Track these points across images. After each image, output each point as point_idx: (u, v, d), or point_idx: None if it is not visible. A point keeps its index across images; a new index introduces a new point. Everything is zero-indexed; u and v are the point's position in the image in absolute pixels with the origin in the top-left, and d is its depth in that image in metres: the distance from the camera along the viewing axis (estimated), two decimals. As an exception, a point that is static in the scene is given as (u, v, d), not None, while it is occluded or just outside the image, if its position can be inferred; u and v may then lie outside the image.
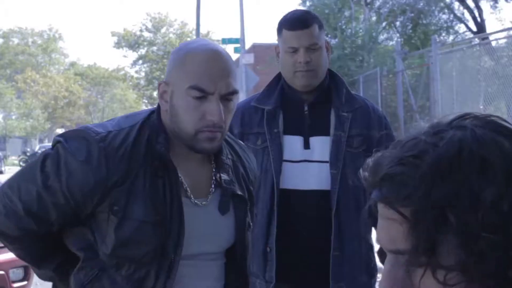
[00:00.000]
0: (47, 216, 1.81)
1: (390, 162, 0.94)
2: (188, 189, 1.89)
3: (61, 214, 1.81)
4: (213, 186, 1.94)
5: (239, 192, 1.99)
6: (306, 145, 2.71)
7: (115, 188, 1.77)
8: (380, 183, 0.95)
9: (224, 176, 1.96)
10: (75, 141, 1.81)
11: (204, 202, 1.91)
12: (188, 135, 1.81)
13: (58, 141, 1.84)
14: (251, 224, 2.03)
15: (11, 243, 1.93)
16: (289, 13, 2.75)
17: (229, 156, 2.01)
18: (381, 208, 0.96)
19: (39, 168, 1.81)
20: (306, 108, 2.74)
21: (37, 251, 1.94)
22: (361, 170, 1.00)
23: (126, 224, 1.77)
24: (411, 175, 0.91)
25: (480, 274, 0.89)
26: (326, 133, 2.71)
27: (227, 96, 1.80)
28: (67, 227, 1.88)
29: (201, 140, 1.80)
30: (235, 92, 1.82)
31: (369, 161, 0.99)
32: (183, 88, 1.78)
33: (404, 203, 0.92)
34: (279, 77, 2.83)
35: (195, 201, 1.89)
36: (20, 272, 5.37)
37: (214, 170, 1.96)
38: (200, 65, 1.78)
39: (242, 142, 2.23)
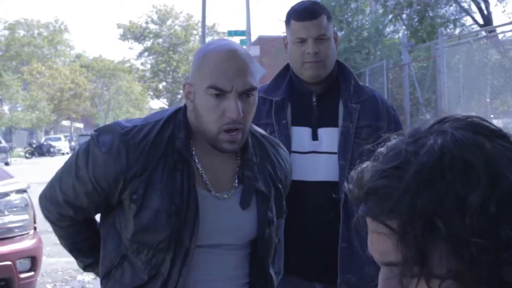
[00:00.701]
0: (81, 204, 2.01)
1: (373, 176, 0.94)
2: (208, 182, 1.99)
3: (92, 201, 2.00)
4: (236, 181, 2.02)
5: (262, 189, 2.05)
6: (314, 137, 2.70)
7: (134, 178, 1.91)
8: (365, 197, 0.95)
9: (247, 173, 2.03)
10: (103, 134, 1.98)
11: (225, 196, 2.00)
12: (211, 133, 1.90)
13: (92, 135, 2.00)
14: (274, 219, 2.09)
15: (58, 231, 2.15)
16: (298, 4, 2.74)
17: (256, 154, 2.08)
18: (369, 223, 0.96)
19: (74, 161, 2.02)
20: (314, 99, 2.73)
21: (81, 241, 2.16)
22: (345, 183, 1.01)
23: (143, 212, 1.91)
24: (395, 187, 0.91)
25: (473, 279, 0.89)
26: (335, 124, 2.70)
27: (245, 93, 1.88)
28: (102, 217, 2.08)
29: (221, 141, 1.90)
30: (253, 89, 1.90)
31: (353, 173, 0.99)
32: (203, 88, 1.89)
33: (390, 216, 0.91)
34: (287, 68, 2.83)
35: (216, 195, 1.98)
36: (27, 263, 5.37)
37: (238, 167, 2.04)
38: (216, 65, 1.87)
39: (275, 140, 2.27)
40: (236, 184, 2.02)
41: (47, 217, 2.13)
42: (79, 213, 2.04)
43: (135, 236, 1.93)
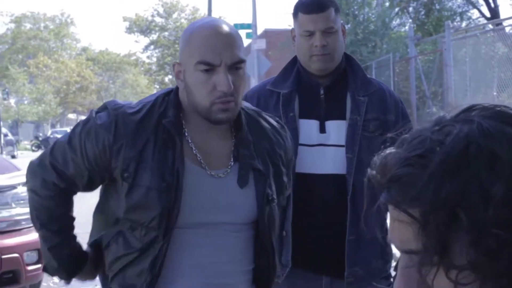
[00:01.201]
0: (66, 171, 2.04)
1: (397, 163, 0.92)
2: (202, 161, 2.00)
3: (77, 171, 2.03)
4: (231, 160, 2.03)
5: (259, 167, 2.05)
6: (322, 129, 2.70)
7: (120, 153, 1.94)
8: (388, 184, 0.94)
9: (243, 151, 2.04)
10: (102, 111, 2.05)
11: (221, 175, 2.01)
12: (204, 108, 1.93)
13: (92, 110, 2.09)
14: (274, 197, 2.08)
15: (36, 202, 2.13)
16: (305, -4, 2.73)
17: (251, 133, 2.08)
18: (391, 210, 0.95)
19: (71, 130, 2.09)
20: (322, 92, 2.73)
21: (55, 218, 2.13)
22: (369, 169, 0.99)
23: (135, 190, 1.94)
24: (419, 176, 0.89)
25: (493, 272, 0.88)
26: (342, 117, 2.70)
27: (235, 65, 1.92)
28: (101, 193, 2.14)
29: (215, 111, 1.92)
30: (241, 61, 1.94)
31: (376, 159, 0.97)
32: (192, 65, 1.92)
33: (412, 204, 0.90)
34: (295, 60, 2.82)
35: (211, 173, 1.99)
36: (34, 255, 5.39)
37: (233, 146, 2.05)
38: (203, 41, 1.91)
39: (275, 120, 2.25)
40: (232, 163, 2.03)
41: (30, 184, 2.13)
42: (62, 179, 2.05)
43: (127, 214, 1.96)
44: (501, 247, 0.86)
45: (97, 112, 2.05)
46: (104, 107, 2.06)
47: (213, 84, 1.90)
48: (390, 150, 0.96)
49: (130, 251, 1.98)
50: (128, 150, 1.94)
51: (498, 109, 0.95)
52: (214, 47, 1.89)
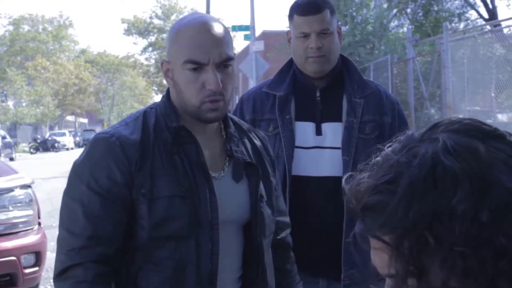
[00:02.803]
0: (105, 229, 1.88)
1: (367, 192, 0.93)
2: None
3: (114, 217, 1.88)
4: (227, 158, 2.02)
5: (251, 161, 2.05)
6: (318, 131, 2.69)
7: (136, 173, 1.87)
8: (361, 213, 0.95)
9: (235, 148, 2.03)
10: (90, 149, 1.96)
11: (221, 174, 1.99)
12: (193, 107, 1.90)
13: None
14: (264, 195, 2.06)
15: None
16: (301, -2, 2.72)
17: (236, 133, 2.08)
18: (370, 239, 0.96)
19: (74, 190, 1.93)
20: (318, 94, 2.72)
21: None
22: (345, 187, 0.99)
23: (157, 204, 1.86)
24: (388, 202, 0.90)
25: None
26: (338, 119, 2.69)
27: (223, 63, 1.88)
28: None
29: (204, 110, 1.89)
30: (230, 59, 1.89)
31: (351, 184, 0.98)
32: (180, 63, 1.88)
33: (384, 231, 0.91)
34: (291, 62, 2.81)
35: (212, 175, 1.96)
36: (31, 258, 5.38)
37: (224, 142, 2.04)
38: (191, 39, 1.86)
39: (250, 125, 2.26)
40: (227, 160, 2.01)
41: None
42: (108, 244, 1.86)
43: (154, 231, 1.85)
44: (474, 265, 0.86)
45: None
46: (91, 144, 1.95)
47: (201, 83, 1.86)
48: (363, 175, 0.97)
49: (165, 271, 1.87)
50: (139, 169, 1.87)
51: (463, 123, 0.95)
52: (202, 45, 1.85)
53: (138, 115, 1.99)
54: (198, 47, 1.85)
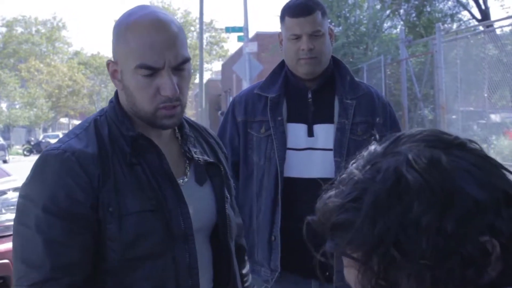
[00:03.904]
0: (70, 255, 1.66)
1: (335, 210, 0.95)
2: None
3: (80, 241, 1.66)
4: (187, 161, 1.85)
5: (212, 160, 1.91)
6: (310, 133, 2.70)
7: (99, 190, 1.66)
8: (330, 233, 0.96)
9: (193, 148, 1.88)
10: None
11: (185, 180, 1.82)
12: (147, 113, 1.70)
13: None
14: (228, 196, 1.93)
15: None
16: (292, 0, 2.73)
17: (191, 132, 1.93)
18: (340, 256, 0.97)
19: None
20: (310, 95, 2.72)
21: None
22: (318, 207, 1.00)
23: (126, 221, 1.66)
24: (354, 220, 0.91)
25: None
26: (330, 121, 2.69)
27: (179, 66, 1.67)
28: None
29: (160, 117, 1.70)
30: (186, 61, 1.69)
31: (319, 204, 0.99)
32: (131, 67, 1.66)
33: (353, 248, 0.92)
34: (282, 64, 2.82)
35: (178, 181, 1.79)
36: (24, 261, 5.38)
37: (180, 144, 1.88)
38: (143, 40, 1.63)
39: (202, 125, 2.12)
40: (188, 165, 1.84)
41: None
42: (75, 273, 1.63)
43: (127, 252, 1.65)
44: (442, 276, 0.87)
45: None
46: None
47: (156, 88, 1.66)
48: (330, 194, 0.98)
49: None
50: (103, 185, 1.66)
51: (424, 134, 0.96)
52: (155, 48, 1.63)
53: (88, 124, 1.76)
54: (151, 50, 1.62)
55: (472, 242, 0.87)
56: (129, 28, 1.66)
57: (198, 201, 1.82)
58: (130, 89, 1.70)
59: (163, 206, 1.71)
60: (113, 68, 1.73)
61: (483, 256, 0.87)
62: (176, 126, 1.82)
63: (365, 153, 0.98)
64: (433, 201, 0.87)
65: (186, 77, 1.71)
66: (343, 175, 0.98)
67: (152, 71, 1.64)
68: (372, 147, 0.99)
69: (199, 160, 1.87)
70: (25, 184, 1.68)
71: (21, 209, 1.66)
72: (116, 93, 1.80)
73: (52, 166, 1.65)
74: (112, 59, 1.73)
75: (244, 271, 2.12)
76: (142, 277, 1.68)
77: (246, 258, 2.18)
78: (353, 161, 0.99)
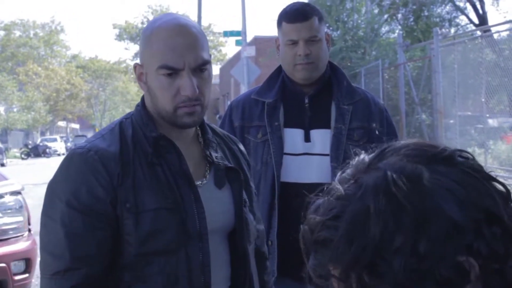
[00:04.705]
0: (89, 249, 1.78)
1: (316, 227, 0.94)
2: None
3: (98, 237, 1.78)
4: (207, 164, 1.94)
5: (232, 165, 1.99)
6: (307, 138, 2.70)
7: (118, 188, 1.77)
8: (313, 248, 0.96)
9: (214, 153, 1.96)
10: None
11: (204, 182, 1.91)
12: (168, 113, 1.81)
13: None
14: (247, 200, 2.01)
15: None
16: (289, 5, 2.74)
17: (214, 138, 2.02)
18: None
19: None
20: (306, 100, 2.73)
21: None
22: (306, 220, 0.99)
23: (143, 218, 1.77)
24: (333, 237, 0.91)
25: None
26: (327, 126, 2.70)
27: (199, 68, 1.79)
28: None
29: (180, 115, 1.80)
30: (206, 63, 1.80)
31: (308, 214, 0.98)
32: (154, 68, 1.79)
33: (333, 265, 0.92)
34: (279, 69, 2.82)
35: (195, 183, 1.87)
36: (21, 265, 5.37)
37: (203, 148, 1.96)
38: (165, 43, 1.77)
39: (227, 132, 2.20)
40: (208, 167, 1.94)
41: None
42: (93, 264, 1.76)
43: (142, 247, 1.76)
44: None
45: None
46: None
47: (176, 88, 1.77)
48: (318, 203, 0.97)
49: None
50: (122, 182, 1.77)
51: (411, 148, 0.95)
52: (176, 50, 1.76)
53: (114, 126, 1.89)
54: (172, 52, 1.76)
55: (448, 262, 0.85)
56: (153, 33, 1.80)
57: (216, 203, 1.91)
58: (153, 90, 1.82)
59: (180, 205, 1.81)
60: (140, 71, 1.86)
61: (460, 276, 0.86)
62: (196, 125, 1.91)
63: (354, 162, 0.98)
64: (408, 221, 0.86)
65: (206, 79, 1.82)
66: (331, 186, 0.98)
67: (173, 71, 1.77)
68: (361, 156, 0.98)
69: (219, 164, 1.95)
70: (53, 179, 1.83)
71: (48, 203, 1.81)
72: (143, 98, 1.92)
73: (77, 163, 1.80)
74: (139, 63, 1.87)
75: (266, 278, 2.18)
76: (157, 271, 1.78)
77: (268, 265, 2.23)
78: (342, 170, 0.99)
